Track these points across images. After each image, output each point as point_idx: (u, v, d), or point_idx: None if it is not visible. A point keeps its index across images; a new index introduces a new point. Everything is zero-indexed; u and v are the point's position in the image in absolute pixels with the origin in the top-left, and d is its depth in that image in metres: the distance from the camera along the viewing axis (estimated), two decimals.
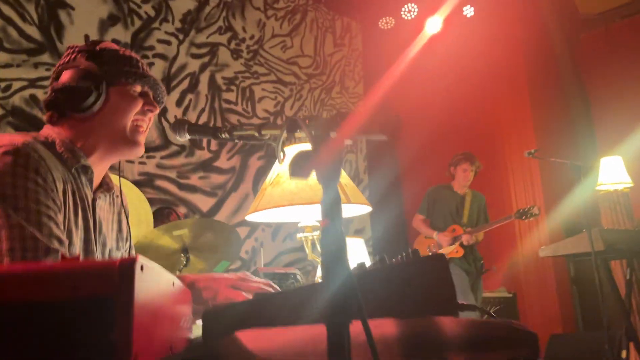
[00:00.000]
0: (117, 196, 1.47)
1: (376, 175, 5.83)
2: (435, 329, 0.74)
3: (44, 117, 1.37)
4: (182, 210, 4.27)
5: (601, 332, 3.50)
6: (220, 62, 4.77)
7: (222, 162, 4.62)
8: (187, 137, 1.38)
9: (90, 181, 1.33)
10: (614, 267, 3.95)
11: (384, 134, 0.64)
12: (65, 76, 1.29)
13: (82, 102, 1.28)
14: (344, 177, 1.66)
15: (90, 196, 1.33)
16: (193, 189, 4.40)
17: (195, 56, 4.60)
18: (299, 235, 1.72)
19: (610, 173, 4.07)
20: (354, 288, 0.67)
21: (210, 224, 3.32)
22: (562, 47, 5.61)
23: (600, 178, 4.06)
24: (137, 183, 4.02)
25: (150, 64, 4.27)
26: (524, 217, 4.38)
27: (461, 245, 4.39)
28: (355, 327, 0.68)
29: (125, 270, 0.59)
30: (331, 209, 0.60)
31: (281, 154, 0.93)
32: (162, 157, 4.27)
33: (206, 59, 4.67)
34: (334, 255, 0.62)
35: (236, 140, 1.34)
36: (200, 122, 4.55)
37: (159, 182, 4.20)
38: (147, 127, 1.43)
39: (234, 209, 4.60)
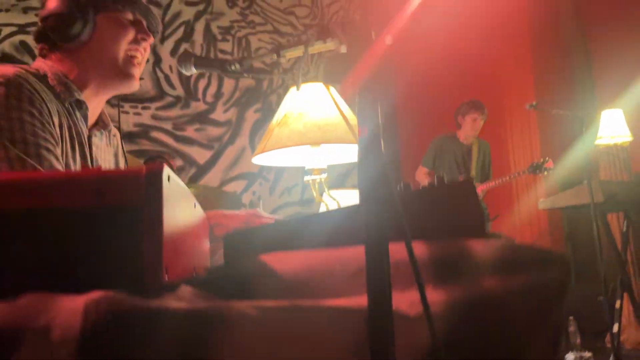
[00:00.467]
0: (114, 135, 1.42)
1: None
2: (467, 251, 0.71)
3: (36, 51, 1.30)
4: (178, 162, 4.22)
5: (594, 284, 3.56)
6: (216, 10, 4.63)
7: (219, 115, 4.55)
8: (194, 70, 1.32)
9: (85, 117, 1.26)
10: (610, 221, 3.97)
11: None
12: (51, 3, 1.21)
13: (68, 30, 1.19)
14: (353, 119, 1.61)
15: (86, 133, 1.27)
16: (189, 141, 4.34)
17: (189, 4, 4.46)
18: (305, 178, 1.69)
19: (610, 126, 4.05)
20: (395, 206, 0.64)
21: (207, 191, 3.28)
22: (565, 1, 5.49)
23: (599, 131, 4.04)
24: (132, 134, 3.96)
25: None
26: (537, 172, 4.23)
27: None
28: (393, 247, 0.65)
29: (153, 179, 0.56)
30: (369, 118, 0.56)
31: (300, 79, 0.88)
32: (157, 109, 4.20)
33: (201, 7, 4.53)
34: (372, 165, 0.59)
35: (245, 74, 1.29)
36: (195, 74, 4.45)
37: (155, 134, 4.14)
38: (143, 60, 1.34)
39: (231, 162, 4.56)
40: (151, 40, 1.34)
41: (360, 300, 0.59)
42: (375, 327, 0.54)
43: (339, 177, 5.30)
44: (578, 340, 3.52)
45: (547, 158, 4.24)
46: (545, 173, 4.22)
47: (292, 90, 1.68)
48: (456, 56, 5.40)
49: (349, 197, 2.16)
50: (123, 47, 1.27)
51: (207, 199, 2.94)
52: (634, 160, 4.22)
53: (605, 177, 4.20)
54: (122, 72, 1.27)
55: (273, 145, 1.55)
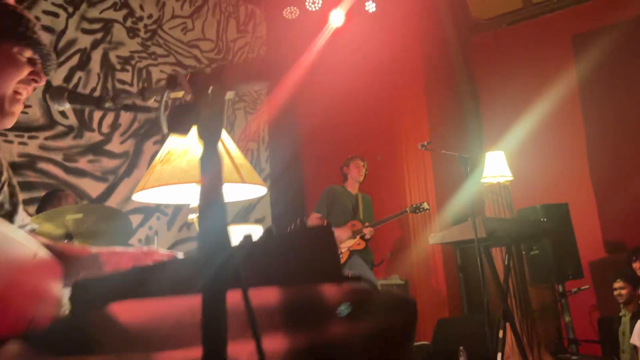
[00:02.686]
0: None
1: (278, 165, 5.82)
2: (317, 297, 0.73)
3: None
4: (70, 198, 3.98)
5: (482, 315, 3.76)
6: (115, 39, 4.50)
7: (115, 146, 4.37)
8: (67, 106, 1.27)
9: None
10: (495, 255, 4.24)
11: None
12: None
13: None
14: (239, 157, 1.62)
15: None
16: (81, 173, 4.12)
17: (86, 31, 4.30)
18: (190, 216, 1.66)
19: (493, 166, 4.37)
20: (232, 256, 0.65)
21: (100, 210, 3.14)
22: (455, 47, 5.93)
23: (485, 171, 4.35)
24: (16, 165, 3.70)
25: None
26: (417, 211, 4.76)
27: (362, 238, 4.59)
28: (236, 297, 0.66)
29: None
30: (211, 167, 0.57)
31: (165, 121, 0.88)
32: (46, 138, 3.96)
33: (99, 36, 4.39)
34: (212, 215, 0.59)
35: (122, 110, 1.26)
36: None
37: (42, 165, 3.89)
38: (25, 98, 1.29)
39: (127, 195, 4.37)
40: (42, 83, 1.27)
41: (199, 352, 0.58)
42: None
43: (242, 211, 5.26)
44: None
45: (423, 201, 4.82)
46: (423, 212, 4.78)
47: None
48: (356, 100, 5.63)
49: (250, 233, 2.12)
50: (12, 85, 1.20)
51: (107, 219, 2.79)
52: (515, 197, 4.58)
53: (490, 213, 4.50)
54: (6, 111, 1.20)
55: (154, 182, 1.51)
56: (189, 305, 0.71)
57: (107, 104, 1.22)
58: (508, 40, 5.98)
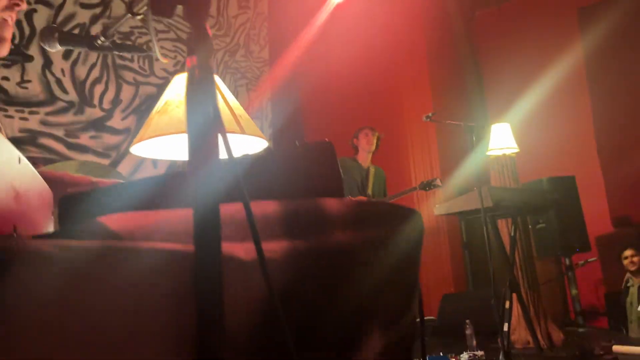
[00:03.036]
0: None
1: (281, 142, 5.77)
2: (319, 207, 0.70)
3: None
4: None
5: (489, 290, 3.74)
6: (114, 14, 4.44)
7: (116, 122, 4.33)
8: (58, 47, 1.24)
9: None
10: (500, 227, 4.21)
11: None
12: None
13: None
14: (238, 108, 1.58)
15: None
16: (83, 148, 4.09)
17: (85, 6, 4.24)
18: None
19: (499, 138, 4.31)
20: (227, 166, 0.61)
21: (94, 167, 3.12)
22: (458, 22, 5.85)
23: (490, 143, 4.29)
24: (17, 140, 3.67)
25: (32, 10, 3.89)
26: (427, 188, 4.54)
27: None
28: (234, 207, 0.62)
29: None
30: (198, 44, 0.53)
31: (157, 45, 0.84)
32: (47, 114, 3.92)
33: (97, 10, 4.33)
34: (205, 119, 0.55)
35: (114, 50, 1.22)
36: (91, 78, 4.24)
37: (44, 140, 3.86)
38: (12, 26, 1.24)
39: (130, 171, 4.34)
40: (24, 7, 1.23)
41: (191, 247, 0.54)
42: (201, 266, 0.50)
43: None
44: (474, 342, 3.64)
45: (435, 177, 4.58)
46: (434, 189, 4.53)
47: (176, 78, 1.62)
48: (358, 74, 5.57)
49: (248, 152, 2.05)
50: None
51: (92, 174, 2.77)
52: (520, 169, 4.53)
53: (496, 184, 4.46)
54: None
55: (152, 133, 1.48)
56: (184, 215, 0.67)
57: (99, 42, 1.18)
58: (512, 13, 5.89)
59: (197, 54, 0.53)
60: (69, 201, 0.71)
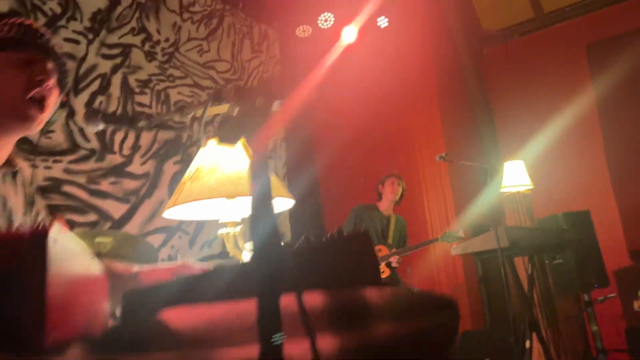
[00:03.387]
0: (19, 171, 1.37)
1: (295, 182, 5.86)
2: (362, 299, 0.75)
3: None
4: (92, 217, 4.05)
5: (507, 327, 3.73)
6: (134, 64, 4.60)
7: (135, 167, 4.44)
8: (101, 127, 1.32)
9: None
10: (517, 264, 4.21)
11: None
12: None
13: None
14: None
15: None
16: (104, 194, 4.19)
17: (106, 57, 4.40)
18: (219, 231, 1.69)
19: (512, 176, 4.36)
20: (284, 260, 0.67)
21: (126, 238, 3.20)
22: (467, 60, 5.95)
23: (504, 181, 4.33)
24: (42, 189, 3.78)
25: None
26: (450, 240, 4.46)
27: (387, 265, 4.39)
28: (284, 299, 0.68)
29: (36, 243, 0.55)
30: (261, 176, 0.60)
31: (204, 136, 0.91)
32: (69, 162, 4.04)
33: (118, 61, 4.49)
34: (263, 222, 0.62)
35: (154, 128, 1.31)
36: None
37: (67, 188, 3.97)
38: (50, 104, 1.32)
39: (148, 216, 4.43)
40: (53, 80, 1.31)
41: (254, 350, 0.60)
42: None
43: None
44: None
45: (459, 229, 4.51)
46: (457, 241, 4.40)
47: (207, 144, 1.70)
48: (369, 116, 5.67)
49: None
50: (20, 89, 1.23)
51: (122, 248, 2.84)
52: (535, 206, 4.56)
53: (511, 222, 4.48)
54: (19, 114, 1.23)
55: (184, 199, 1.55)
56: (239, 309, 0.73)
57: (141, 124, 1.26)
58: (520, 51, 5.99)
59: (258, 181, 0.59)
60: (132, 296, 0.77)
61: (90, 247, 2.56)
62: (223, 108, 0.79)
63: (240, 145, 1.36)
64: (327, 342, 0.67)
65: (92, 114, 1.30)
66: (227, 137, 0.62)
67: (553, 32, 5.83)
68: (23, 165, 1.40)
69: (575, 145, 5.32)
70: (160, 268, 1.21)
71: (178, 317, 0.73)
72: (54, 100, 1.34)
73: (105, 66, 4.38)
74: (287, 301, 0.70)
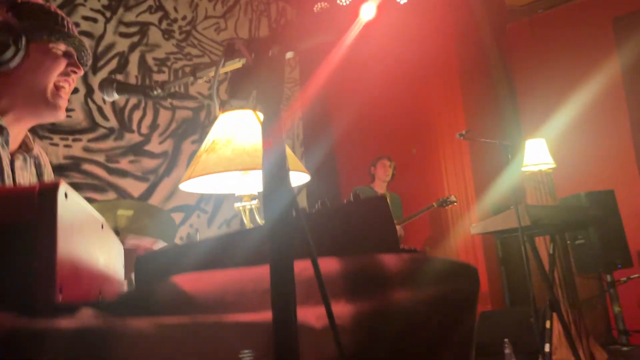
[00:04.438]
0: (36, 157, 1.39)
1: (312, 160, 5.83)
2: (378, 265, 0.73)
3: None
4: (111, 195, 4.09)
5: (527, 307, 3.68)
6: (151, 42, 4.59)
7: (154, 146, 4.46)
8: (116, 96, 1.31)
9: (6, 142, 1.25)
10: (539, 245, 4.14)
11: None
12: None
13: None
14: None
15: (7, 157, 1.24)
16: (123, 173, 4.22)
17: (124, 35, 4.40)
18: (236, 204, 1.68)
19: (534, 154, 4.27)
20: (299, 225, 0.65)
21: (147, 209, 3.22)
22: (489, 36, 5.81)
23: (525, 159, 4.25)
24: (62, 167, 3.82)
25: None
26: (444, 205, 4.69)
27: None
28: (299, 265, 0.66)
29: (47, 196, 0.54)
30: (273, 130, 0.57)
31: (218, 95, 0.89)
32: (89, 140, 4.07)
33: (136, 39, 4.48)
34: (277, 181, 0.59)
35: (169, 99, 1.29)
36: (130, 104, 4.38)
37: (87, 166, 4.00)
38: (69, 91, 1.37)
39: (167, 194, 4.46)
40: (81, 73, 1.36)
41: (267, 315, 0.58)
42: (279, 338, 0.53)
43: None
44: None
45: (451, 194, 4.75)
46: (451, 205, 4.70)
47: (221, 117, 1.68)
48: (389, 93, 5.59)
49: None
50: (52, 78, 1.30)
51: (143, 219, 2.86)
52: (557, 185, 4.46)
53: (532, 202, 4.39)
54: (50, 102, 1.29)
55: (200, 171, 1.53)
56: (253, 274, 0.71)
57: (155, 92, 1.24)
58: (544, 25, 5.83)
59: (272, 139, 0.57)
60: (145, 260, 0.75)
61: (112, 220, 2.58)
62: (237, 64, 0.77)
63: (254, 116, 1.33)
64: (342, 308, 0.65)
65: (106, 83, 1.29)
66: (238, 91, 0.59)
67: (579, 6, 5.65)
68: (40, 150, 1.41)
69: (599, 123, 5.19)
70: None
71: (192, 281, 0.72)
72: (73, 86, 1.38)
73: (123, 44, 4.38)
74: (302, 266, 0.68)
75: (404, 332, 0.65)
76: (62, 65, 1.30)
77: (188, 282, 0.72)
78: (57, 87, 1.30)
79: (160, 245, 1.19)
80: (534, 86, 5.63)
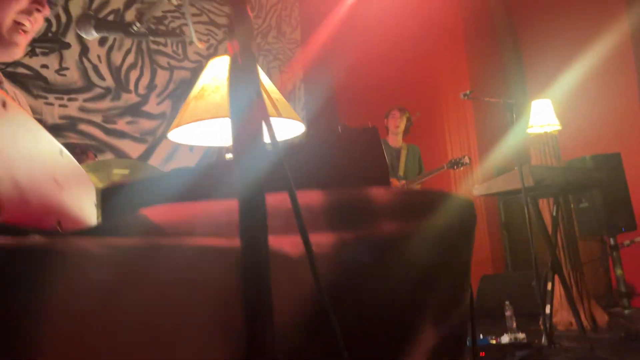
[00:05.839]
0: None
1: (315, 123, 5.74)
2: (365, 196, 0.67)
3: None
4: (109, 156, 4.04)
5: (528, 272, 3.65)
6: None
7: (152, 107, 4.38)
8: (94, 34, 1.23)
9: None
10: (542, 206, 4.09)
11: None
12: None
13: None
14: (275, 92, 1.55)
15: None
16: (121, 134, 4.16)
17: None
18: (227, 155, 1.62)
19: (540, 115, 4.17)
20: (271, 155, 0.58)
21: (143, 167, 3.16)
22: None
23: (530, 120, 4.15)
24: (58, 127, 3.75)
25: None
26: (455, 167, 4.44)
27: None
28: (278, 197, 0.60)
29: None
30: (239, 28, 0.50)
31: (192, 27, 0.82)
32: (85, 100, 3.99)
33: None
34: (245, 100, 0.52)
35: (151, 36, 1.21)
36: (127, 64, 4.28)
37: (83, 127, 3.94)
38: (32, 30, 1.24)
39: (166, 156, 4.40)
40: (46, 12, 1.23)
41: (235, 241, 0.52)
42: (248, 265, 0.48)
43: None
44: (514, 324, 3.58)
45: (464, 155, 4.47)
46: (462, 167, 4.43)
47: (211, 63, 1.60)
48: (393, 50, 5.45)
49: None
50: (9, 14, 1.17)
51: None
52: (563, 147, 4.37)
53: (537, 163, 4.32)
54: (4, 38, 1.18)
55: (189, 118, 1.47)
56: (226, 206, 0.65)
57: (134, 28, 1.17)
58: None
59: (238, 39, 0.50)
60: (112, 193, 0.70)
61: (106, 179, 2.52)
62: None
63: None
64: (323, 238, 0.60)
65: (84, 20, 1.21)
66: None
67: None
68: (15, 93, 1.32)
69: (607, 85, 5.06)
70: None
71: (161, 214, 0.66)
72: (38, 25, 1.25)
73: (118, 1, 4.26)
74: (282, 198, 0.61)
75: (391, 265, 0.60)
76: (23, 2, 1.18)
77: (157, 214, 0.66)
78: (17, 23, 1.19)
79: None
80: (541, 46, 5.47)
